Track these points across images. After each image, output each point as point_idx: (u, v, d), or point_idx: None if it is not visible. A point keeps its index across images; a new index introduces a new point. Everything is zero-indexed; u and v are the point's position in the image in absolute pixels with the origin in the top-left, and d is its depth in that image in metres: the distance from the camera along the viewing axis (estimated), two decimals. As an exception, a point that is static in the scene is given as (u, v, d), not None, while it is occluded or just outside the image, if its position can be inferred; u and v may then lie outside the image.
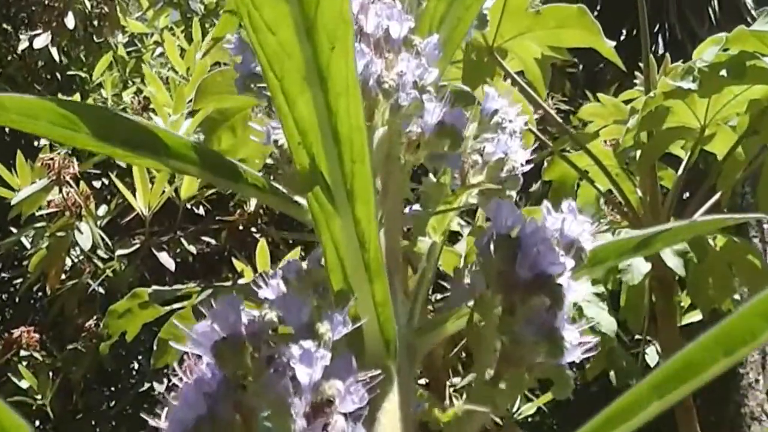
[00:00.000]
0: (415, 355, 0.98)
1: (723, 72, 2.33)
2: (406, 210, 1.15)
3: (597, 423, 0.80)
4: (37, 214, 3.66)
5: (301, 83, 0.84)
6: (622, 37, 5.19)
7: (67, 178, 3.58)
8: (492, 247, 0.92)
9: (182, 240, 3.98)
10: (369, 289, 0.89)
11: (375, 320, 0.90)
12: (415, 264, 1.08)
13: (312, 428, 0.76)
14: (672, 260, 2.63)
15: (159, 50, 4.25)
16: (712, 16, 5.14)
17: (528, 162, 1.13)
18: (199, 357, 0.82)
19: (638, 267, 2.70)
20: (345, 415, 0.78)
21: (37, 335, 4.03)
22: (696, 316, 3.86)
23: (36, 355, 4.09)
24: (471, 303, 0.94)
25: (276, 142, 1.05)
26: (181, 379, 0.81)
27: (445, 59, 1.08)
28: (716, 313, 2.62)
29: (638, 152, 2.72)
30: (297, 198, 1.08)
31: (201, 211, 4.08)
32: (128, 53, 4.24)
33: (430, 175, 1.15)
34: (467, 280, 0.95)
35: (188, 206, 3.94)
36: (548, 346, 0.87)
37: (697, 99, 2.51)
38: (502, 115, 1.12)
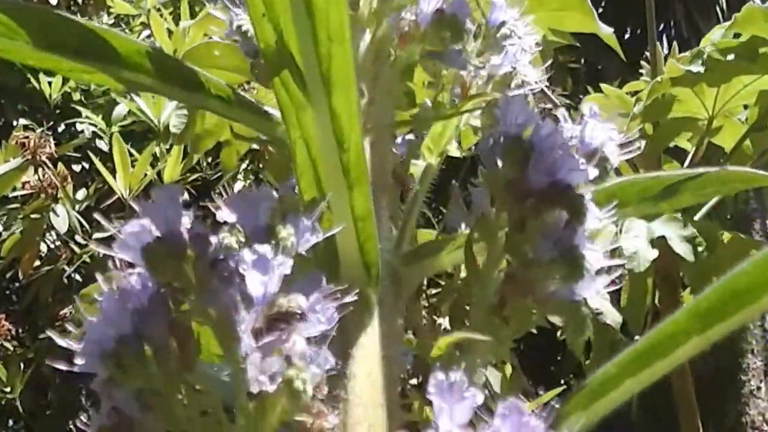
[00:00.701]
0: (402, 287, 0.81)
1: (732, 56, 2.20)
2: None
3: (627, 358, 0.64)
4: (10, 195, 3.49)
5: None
6: (626, 36, 5.03)
7: (43, 158, 3.41)
8: (499, 151, 0.75)
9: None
10: (347, 198, 0.73)
11: (353, 237, 0.74)
12: (407, 187, 0.91)
13: (262, 347, 0.58)
14: (680, 246, 2.47)
15: (146, 33, 4.09)
16: (719, 14, 5.00)
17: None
18: (131, 267, 0.66)
19: (644, 254, 2.54)
20: (308, 339, 0.61)
21: (8, 324, 3.84)
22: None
23: (7, 344, 3.91)
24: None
25: (240, 28, 0.88)
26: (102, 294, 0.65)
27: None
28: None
29: (643, 143, 2.58)
30: (268, 109, 0.91)
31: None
32: (113, 33, 4.05)
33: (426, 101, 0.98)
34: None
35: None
36: (565, 268, 0.70)
37: (705, 88, 2.39)
38: (511, 28, 0.95)
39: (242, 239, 0.65)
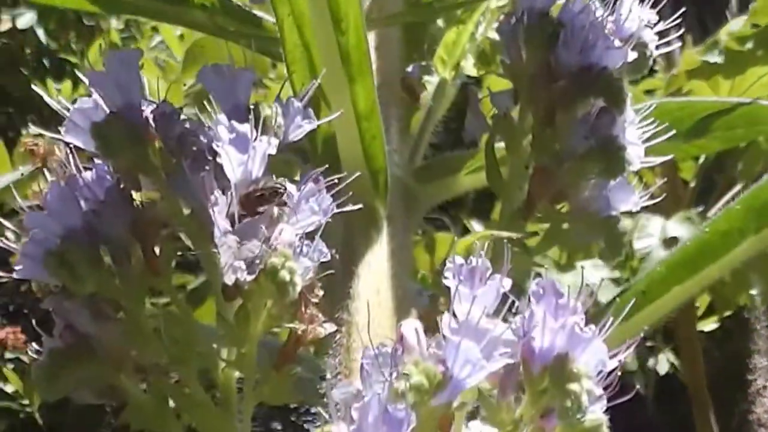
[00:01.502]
0: (415, 206, 0.69)
1: (750, 44, 2.14)
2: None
3: (674, 260, 0.52)
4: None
5: None
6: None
7: (54, 164, 3.29)
8: (523, 32, 0.62)
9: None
10: (348, 92, 0.60)
11: (357, 140, 0.61)
12: (418, 95, 0.78)
13: (239, 231, 0.46)
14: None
15: (157, 39, 3.98)
16: (728, 16, 4.90)
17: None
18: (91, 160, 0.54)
19: (659, 255, 2.45)
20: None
21: (24, 336, 3.73)
22: (712, 324, 3.57)
23: (23, 357, 3.79)
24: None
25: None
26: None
27: None
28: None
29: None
30: (258, 12, 0.78)
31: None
32: (123, 39, 3.95)
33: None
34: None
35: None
36: (603, 161, 0.57)
37: (720, 81, 2.32)
38: None
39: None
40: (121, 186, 0.51)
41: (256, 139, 0.49)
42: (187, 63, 2.15)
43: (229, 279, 0.45)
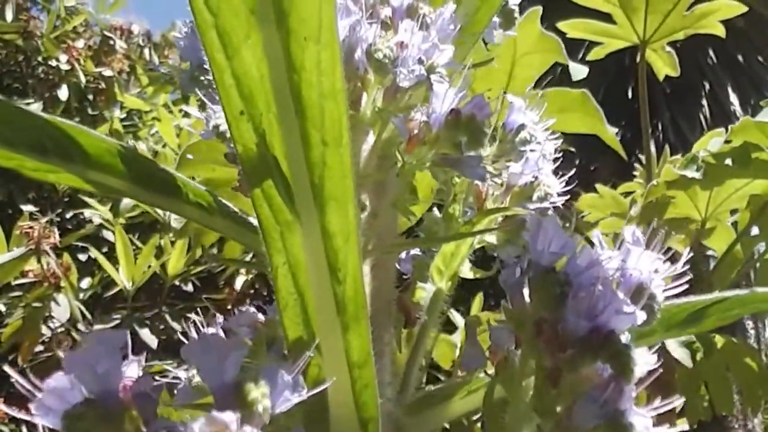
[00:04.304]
0: (405, 447, 0.63)
1: (728, 161, 2.12)
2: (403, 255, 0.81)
3: None
4: (14, 283, 3.32)
5: (247, 20, 0.51)
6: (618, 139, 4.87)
7: (47, 247, 3.24)
8: (527, 284, 0.57)
9: (167, 317, 3.62)
10: (342, 340, 0.55)
11: (348, 388, 0.56)
12: (413, 317, 0.73)
13: None
14: (678, 351, 2.32)
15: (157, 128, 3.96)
16: (704, 122, 4.88)
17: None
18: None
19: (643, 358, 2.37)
20: None
21: (5, 407, 3.62)
22: (684, 426, 3.50)
23: (3, 428, 3.69)
24: (491, 370, 0.60)
25: (217, 128, 0.70)
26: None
27: (463, 43, 0.75)
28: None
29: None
30: (253, 220, 0.73)
31: (190, 287, 3.71)
32: (125, 128, 3.92)
33: (435, 210, 0.81)
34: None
35: (176, 283, 3.60)
36: (612, 439, 0.52)
37: (698, 191, 2.30)
38: (531, 132, 0.78)
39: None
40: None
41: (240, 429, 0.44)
42: (181, 163, 2.09)
43: None
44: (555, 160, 0.81)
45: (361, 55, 0.63)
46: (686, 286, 0.61)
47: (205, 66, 0.81)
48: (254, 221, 0.75)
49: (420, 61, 0.65)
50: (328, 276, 0.54)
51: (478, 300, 2.16)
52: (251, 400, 0.46)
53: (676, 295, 0.62)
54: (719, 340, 2.40)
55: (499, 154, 0.78)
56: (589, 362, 0.54)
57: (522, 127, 0.78)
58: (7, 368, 0.51)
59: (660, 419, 0.53)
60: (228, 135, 0.70)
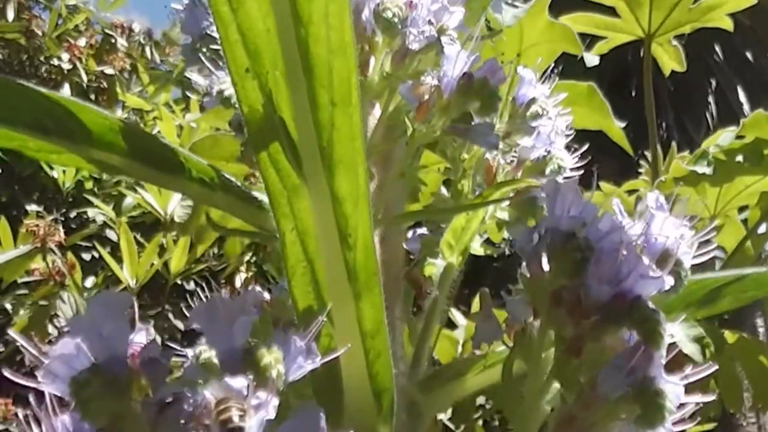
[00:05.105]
0: (420, 421, 0.60)
1: (739, 158, 2.07)
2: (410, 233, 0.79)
3: None
4: (20, 281, 3.30)
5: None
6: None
7: (52, 245, 3.22)
8: (545, 251, 0.55)
9: (170, 315, 3.60)
10: (354, 308, 0.52)
11: (361, 358, 0.53)
12: (424, 290, 0.71)
13: None
14: (689, 347, 2.27)
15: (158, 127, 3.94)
16: (709, 120, 4.83)
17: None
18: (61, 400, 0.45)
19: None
20: None
21: (14, 408, 3.61)
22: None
23: (12, 430, 3.67)
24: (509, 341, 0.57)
25: (221, 93, 0.68)
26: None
27: (473, 8, 0.73)
28: None
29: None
30: (258, 195, 0.71)
31: (192, 285, 3.69)
32: (126, 126, 3.89)
33: (442, 189, 0.79)
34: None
35: (178, 281, 3.58)
36: (640, 409, 0.49)
37: (707, 188, 2.25)
38: (542, 106, 0.76)
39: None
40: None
41: (252, 395, 0.41)
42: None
43: None
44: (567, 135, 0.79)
45: (368, 15, 0.61)
46: (712, 255, 0.59)
47: (206, 36, 0.78)
48: (259, 196, 0.72)
49: (429, 23, 0.62)
50: (338, 242, 0.51)
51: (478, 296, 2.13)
52: (264, 365, 0.43)
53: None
54: (730, 336, 2.37)
55: (509, 128, 0.75)
56: (614, 329, 0.51)
57: (533, 101, 0.76)
58: (12, 333, 0.48)
59: (690, 389, 0.50)
60: (233, 100, 0.68)
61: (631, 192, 2.58)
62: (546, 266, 0.55)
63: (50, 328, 3.49)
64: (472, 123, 0.62)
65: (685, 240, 0.56)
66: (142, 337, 0.45)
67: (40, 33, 3.76)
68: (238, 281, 3.59)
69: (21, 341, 0.43)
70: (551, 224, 0.54)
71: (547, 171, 0.73)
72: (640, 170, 2.91)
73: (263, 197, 0.71)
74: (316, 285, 0.53)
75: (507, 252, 0.87)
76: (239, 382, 0.41)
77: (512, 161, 0.77)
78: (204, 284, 4.03)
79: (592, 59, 2.13)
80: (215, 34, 0.74)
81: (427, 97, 0.62)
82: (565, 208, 0.54)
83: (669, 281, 0.52)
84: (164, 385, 0.42)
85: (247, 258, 3.50)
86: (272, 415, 0.41)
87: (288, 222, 0.52)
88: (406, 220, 0.68)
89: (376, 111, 0.67)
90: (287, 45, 0.49)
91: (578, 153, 0.80)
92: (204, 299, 0.49)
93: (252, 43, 0.49)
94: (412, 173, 0.66)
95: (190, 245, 3.25)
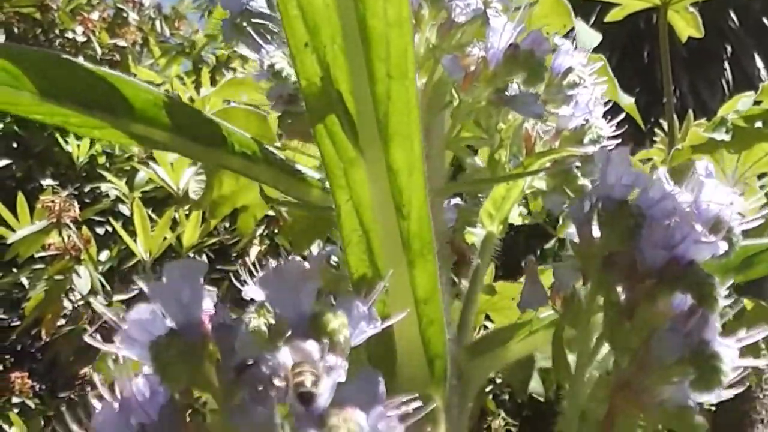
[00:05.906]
0: (468, 386, 0.61)
1: (758, 124, 2.06)
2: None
3: None
4: (36, 256, 3.32)
5: (311, -54, 0.49)
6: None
7: (67, 221, 3.24)
8: (596, 218, 0.56)
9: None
10: (408, 276, 0.53)
11: (415, 324, 0.54)
12: (468, 257, 0.71)
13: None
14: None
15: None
16: (725, 87, 4.80)
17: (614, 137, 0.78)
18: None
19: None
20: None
21: (30, 381, 3.64)
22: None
23: (29, 402, 3.71)
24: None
25: (273, 67, 0.68)
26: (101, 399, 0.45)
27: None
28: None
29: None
30: (302, 168, 0.72)
31: (204, 259, 3.71)
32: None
33: (476, 158, 0.79)
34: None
35: (191, 255, 3.59)
36: (696, 372, 0.50)
37: (725, 155, 2.23)
38: (579, 75, 0.76)
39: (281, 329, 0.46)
40: (175, 406, 0.44)
41: (323, 359, 0.42)
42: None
43: None
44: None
45: (414, -16, 0.62)
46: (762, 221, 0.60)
47: (245, 11, 0.79)
48: (301, 169, 0.73)
49: (475, -7, 0.63)
50: (393, 212, 0.52)
51: (489, 272, 2.14)
52: (331, 329, 0.44)
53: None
54: (748, 303, 2.37)
55: (546, 97, 0.76)
56: (668, 293, 0.52)
57: (569, 69, 0.76)
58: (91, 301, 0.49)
59: (743, 352, 0.51)
60: (284, 74, 0.69)
61: (645, 161, 2.57)
62: (597, 233, 0.56)
63: (65, 302, 3.51)
64: (519, 93, 0.63)
65: (735, 207, 0.57)
66: (209, 302, 0.46)
67: (54, 7, 3.75)
68: (252, 255, 3.60)
69: (98, 307, 0.44)
70: (603, 192, 0.55)
71: (586, 140, 0.74)
72: (655, 138, 2.90)
73: (305, 170, 0.72)
74: (371, 253, 0.54)
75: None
76: (312, 346, 0.42)
77: (548, 130, 0.77)
78: (215, 257, 4.04)
79: (592, 37, 2.12)
80: (255, 9, 0.75)
81: (473, 68, 0.63)
82: (618, 176, 0.55)
83: (723, 246, 0.53)
84: (238, 349, 0.43)
85: (259, 232, 3.50)
86: (343, 378, 0.42)
87: (344, 193, 0.53)
88: (452, 190, 0.69)
89: (421, 79, 0.67)
90: (345, 19, 0.50)
91: (614, 122, 0.80)
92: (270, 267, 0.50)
93: (311, 18, 0.50)
94: (456, 144, 0.67)
95: (202, 219, 3.26)
